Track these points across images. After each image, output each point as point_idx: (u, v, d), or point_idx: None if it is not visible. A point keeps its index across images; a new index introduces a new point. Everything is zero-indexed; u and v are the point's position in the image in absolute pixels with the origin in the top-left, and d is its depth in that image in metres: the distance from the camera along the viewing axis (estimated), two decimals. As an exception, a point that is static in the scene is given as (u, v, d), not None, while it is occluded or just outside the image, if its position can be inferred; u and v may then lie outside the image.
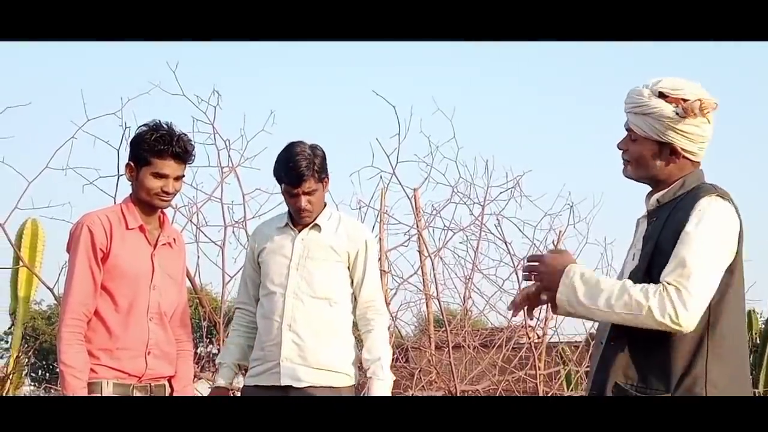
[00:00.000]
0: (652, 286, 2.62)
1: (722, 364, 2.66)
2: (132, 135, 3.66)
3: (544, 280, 2.80)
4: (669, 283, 2.59)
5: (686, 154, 2.81)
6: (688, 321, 2.58)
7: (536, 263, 2.83)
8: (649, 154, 2.84)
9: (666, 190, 2.84)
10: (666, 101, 2.78)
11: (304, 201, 3.84)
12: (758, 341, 12.88)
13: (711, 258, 2.63)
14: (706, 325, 2.66)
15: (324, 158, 3.90)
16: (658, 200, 2.85)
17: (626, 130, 2.90)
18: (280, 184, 3.91)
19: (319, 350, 3.82)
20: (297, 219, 3.93)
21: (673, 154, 2.81)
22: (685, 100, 2.76)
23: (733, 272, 2.70)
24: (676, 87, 2.79)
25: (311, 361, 3.80)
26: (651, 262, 2.74)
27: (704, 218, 2.66)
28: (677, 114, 2.76)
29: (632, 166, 2.90)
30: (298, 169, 3.79)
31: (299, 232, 3.93)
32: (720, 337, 2.67)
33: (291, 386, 3.77)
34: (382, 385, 3.83)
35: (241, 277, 4.16)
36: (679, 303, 2.57)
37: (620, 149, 2.92)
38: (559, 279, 2.73)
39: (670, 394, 2.64)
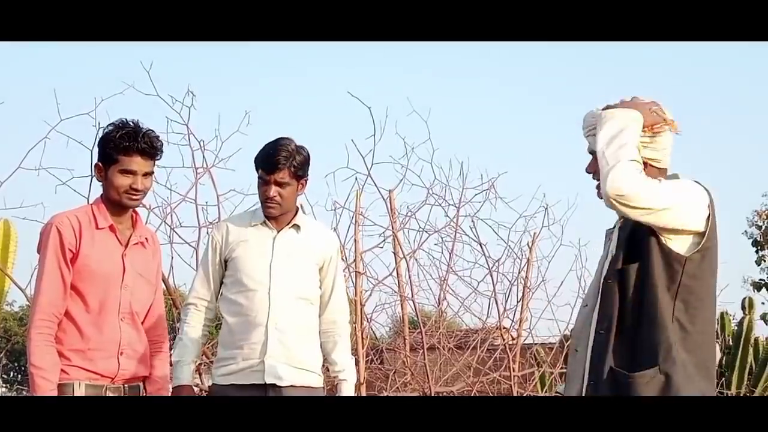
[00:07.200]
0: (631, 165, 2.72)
1: (689, 353, 2.73)
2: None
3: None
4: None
5: (647, 161, 2.85)
6: (628, 195, 2.68)
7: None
8: None
9: None
10: None
11: (273, 190, 3.82)
12: (731, 343, 12.95)
13: (672, 188, 2.76)
14: (674, 314, 2.73)
15: (306, 160, 3.91)
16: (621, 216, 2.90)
17: (589, 153, 2.95)
18: (257, 172, 3.89)
19: (300, 350, 3.86)
20: (263, 209, 3.89)
21: None
22: None
23: (704, 257, 2.75)
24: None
25: (294, 361, 3.83)
26: (626, 258, 2.82)
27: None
28: None
29: None
30: (275, 157, 3.82)
31: (278, 231, 3.91)
32: (689, 326, 2.74)
33: (273, 385, 3.78)
34: (350, 385, 3.99)
35: (201, 271, 4.00)
36: (633, 182, 2.67)
37: (589, 173, 2.98)
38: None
39: (658, 369, 2.70)
